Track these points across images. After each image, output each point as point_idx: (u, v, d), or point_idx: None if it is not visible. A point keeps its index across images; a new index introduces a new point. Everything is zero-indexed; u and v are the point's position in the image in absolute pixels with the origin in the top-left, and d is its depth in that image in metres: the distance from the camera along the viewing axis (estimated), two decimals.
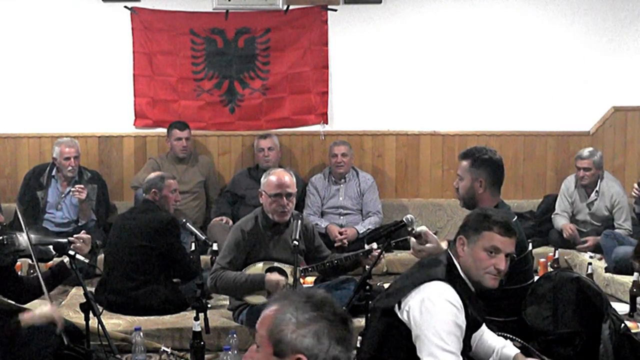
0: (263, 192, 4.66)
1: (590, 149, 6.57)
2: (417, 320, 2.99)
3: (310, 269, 4.68)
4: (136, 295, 4.94)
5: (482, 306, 3.23)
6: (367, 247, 4.57)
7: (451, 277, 3.11)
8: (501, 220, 3.17)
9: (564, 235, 6.47)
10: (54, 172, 6.58)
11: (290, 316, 2.02)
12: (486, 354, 3.31)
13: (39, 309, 3.79)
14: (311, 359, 1.98)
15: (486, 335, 3.33)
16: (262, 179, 4.72)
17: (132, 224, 5.13)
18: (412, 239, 3.81)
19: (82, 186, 6.38)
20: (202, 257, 5.68)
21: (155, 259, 5.00)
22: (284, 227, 4.70)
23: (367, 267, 4.72)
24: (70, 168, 6.47)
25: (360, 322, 4.36)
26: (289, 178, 4.65)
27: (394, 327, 3.11)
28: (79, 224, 6.45)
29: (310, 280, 5.14)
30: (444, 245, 3.91)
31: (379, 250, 4.54)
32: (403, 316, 3.06)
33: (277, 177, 4.63)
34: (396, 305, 3.09)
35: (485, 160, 3.90)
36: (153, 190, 5.19)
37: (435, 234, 4.05)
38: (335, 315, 2.04)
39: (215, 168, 7.11)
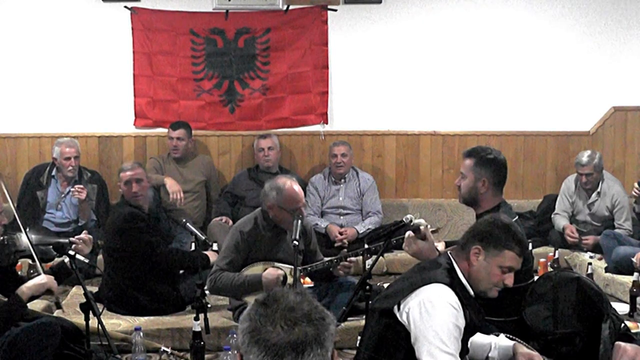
0: (276, 206, 4.60)
1: (589, 152, 6.54)
2: (417, 321, 2.99)
3: (309, 268, 4.68)
4: (126, 295, 4.94)
5: (481, 310, 3.24)
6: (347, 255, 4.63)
7: (451, 281, 3.11)
8: (521, 239, 3.19)
9: (567, 241, 6.46)
10: (53, 172, 6.58)
11: None
12: (480, 352, 3.32)
13: (34, 279, 3.80)
14: None
15: (477, 337, 3.34)
16: (271, 192, 4.62)
17: (106, 225, 5.18)
18: (409, 232, 3.78)
19: (81, 186, 6.38)
20: None
21: (128, 258, 4.96)
22: (283, 228, 4.70)
23: (339, 276, 4.75)
24: (70, 168, 6.46)
25: (360, 322, 4.37)
26: (299, 189, 4.66)
27: (392, 328, 3.11)
28: (79, 224, 6.45)
29: (310, 280, 5.13)
30: (440, 246, 3.91)
31: (352, 259, 4.59)
32: (402, 317, 3.06)
33: (292, 192, 4.59)
34: (395, 307, 3.09)
35: (489, 160, 3.90)
36: (117, 184, 5.22)
37: (435, 231, 4.05)
38: None
39: (216, 168, 7.11)
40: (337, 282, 4.86)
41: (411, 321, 3.01)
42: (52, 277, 3.85)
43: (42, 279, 3.79)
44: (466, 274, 3.19)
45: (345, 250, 4.77)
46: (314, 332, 1.79)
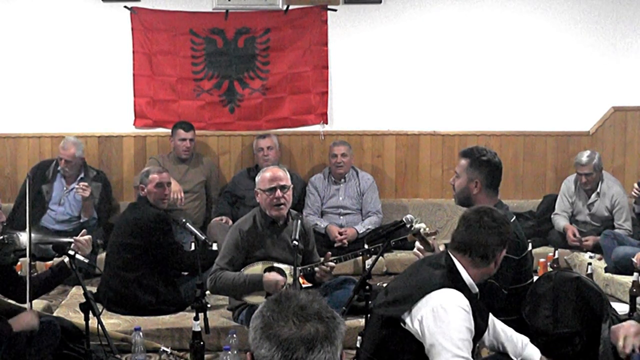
0: (258, 190, 4.67)
1: (588, 152, 6.54)
2: (431, 328, 2.99)
3: (308, 268, 4.68)
4: (130, 294, 4.94)
5: (485, 310, 3.24)
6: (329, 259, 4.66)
7: (456, 284, 3.11)
8: None
9: (568, 242, 6.47)
10: (59, 167, 6.59)
11: None
12: (500, 342, 3.35)
13: (23, 316, 3.81)
14: None
15: (500, 326, 3.37)
16: (256, 178, 4.74)
17: (122, 221, 5.17)
18: (417, 245, 3.83)
19: (86, 184, 6.39)
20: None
21: (143, 258, 4.98)
22: (282, 226, 4.70)
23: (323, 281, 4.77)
24: (60, 167, 6.50)
25: (360, 322, 4.37)
26: (281, 172, 4.68)
27: (397, 334, 3.11)
28: (81, 221, 6.46)
29: (307, 280, 5.12)
30: (441, 249, 3.91)
31: (331, 264, 4.60)
32: (414, 326, 3.05)
33: (270, 173, 4.67)
34: (404, 314, 3.09)
35: (483, 162, 3.90)
36: (140, 186, 5.21)
37: (435, 233, 4.05)
38: None
39: (216, 168, 7.11)
40: (335, 280, 4.86)
41: (425, 329, 3.01)
42: (34, 317, 3.86)
43: (34, 323, 3.81)
44: (485, 276, 3.22)
45: (330, 253, 4.75)
46: (324, 329, 1.83)
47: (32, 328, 3.79)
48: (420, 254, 3.87)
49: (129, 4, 6.93)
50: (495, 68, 7.16)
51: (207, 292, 4.68)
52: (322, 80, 7.12)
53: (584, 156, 6.48)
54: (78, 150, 6.55)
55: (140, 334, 4.29)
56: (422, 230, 3.88)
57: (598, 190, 6.52)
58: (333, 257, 4.72)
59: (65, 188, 6.57)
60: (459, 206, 4.10)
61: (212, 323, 4.49)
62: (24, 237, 4.01)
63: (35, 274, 4.60)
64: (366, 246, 4.65)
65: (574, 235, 6.45)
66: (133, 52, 6.99)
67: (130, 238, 5.00)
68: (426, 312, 3.03)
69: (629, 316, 4.95)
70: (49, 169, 6.62)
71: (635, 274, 5.14)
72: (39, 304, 4.75)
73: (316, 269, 4.65)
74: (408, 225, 3.94)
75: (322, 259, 4.71)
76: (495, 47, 7.15)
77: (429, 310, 3.02)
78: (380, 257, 4.25)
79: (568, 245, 6.49)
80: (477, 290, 3.20)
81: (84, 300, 3.83)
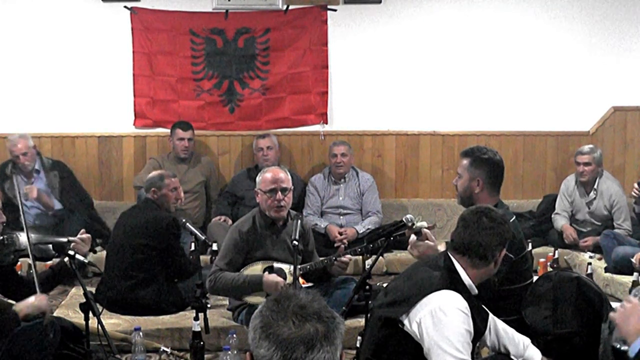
0: (259, 191, 4.66)
1: (591, 145, 6.61)
2: (430, 331, 2.98)
3: (308, 267, 4.68)
4: (135, 293, 4.94)
5: (484, 311, 3.24)
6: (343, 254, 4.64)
7: (455, 285, 3.11)
8: None
9: (565, 241, 6.48)
10: (20, 164, 6.50)
11: None
12: (502, 344, 3.34)
13: (32, 298, 3.81)
14: None
15: (502, 326, 3.36)
16: (257, 179, 4.73)
17: (132, 222, 5.14)
18: (412, 237, 3.81)
19: (28, 186, 6.37)
20: (201, 257, 5.67)
21: (155, 258, 5.01)
22: (281, 226, 4.70)
23: (335, 275, 4.76)
24: (20, 164, 6.45)
25: (360, 322, 4.37)
26: (283, 174, 4.66)
27: (396, 336, 3.10)
28: (50, 213, 6.47)
29: (306, 280, 5.13)
30: (441, 247, 3.91)
31: (349, 256, 4.61)
32: (412, 327, 3.04)
33: (271, 174, 4.64)
34: (402, 315, 3.08)
35: (484, 160, 3.90)
36: (152, 189, 5.20)
37: (433, 227, 4.05)
38: None
39: (216, 168, 7.11)
40: (334, 280, 4.86)
41: (424, 331, 3.00)
42: (46, 298, 3.85)
43: (40, 302, 3.80)
44: (485, 276, 3.21)
45: (343, 247, 4.76)
46: (324, 329, 1.83)
47: (40, 310, 3.78)
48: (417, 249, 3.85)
49: (129, 4, 6.94)
50: (495, 68, 7.16)
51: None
52: (322, 80, 7.13)
53: (586, 147, 6.57)
54: (28, 141, 6.50)
55: (140, 334, 4.29)
56: (422, 229, 3.87)
57: (595, 186, 6.53)
58: (330, 256, 4.72)
59: (27, 183, 6.53)
60: (459, 206, 4.10)
61: (212, 323, 4.49)
62: (23, 237, 4.01)
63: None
64: (365, 244, 4.63)
65: (572, 233, 6.47)
66: (133, 52, 7.00)
67: (145, 239, 5.00)
68: (425, 314, 3.02)
69: None
70: (6, 168, 6.55)
71: (635, 274, 5.16)
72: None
73: (343, 258, 4.63)
74: (409, 224, 3.93)
75: (323, 258, 4.71)
76: (495, 47, 7.15)
77: (428, 313, 3.01)
78: (380, 257, 4.24)
79: (568, 245, 6.50)
80: (476, 291, 3.19)
81: (84, 300, 3.83)
